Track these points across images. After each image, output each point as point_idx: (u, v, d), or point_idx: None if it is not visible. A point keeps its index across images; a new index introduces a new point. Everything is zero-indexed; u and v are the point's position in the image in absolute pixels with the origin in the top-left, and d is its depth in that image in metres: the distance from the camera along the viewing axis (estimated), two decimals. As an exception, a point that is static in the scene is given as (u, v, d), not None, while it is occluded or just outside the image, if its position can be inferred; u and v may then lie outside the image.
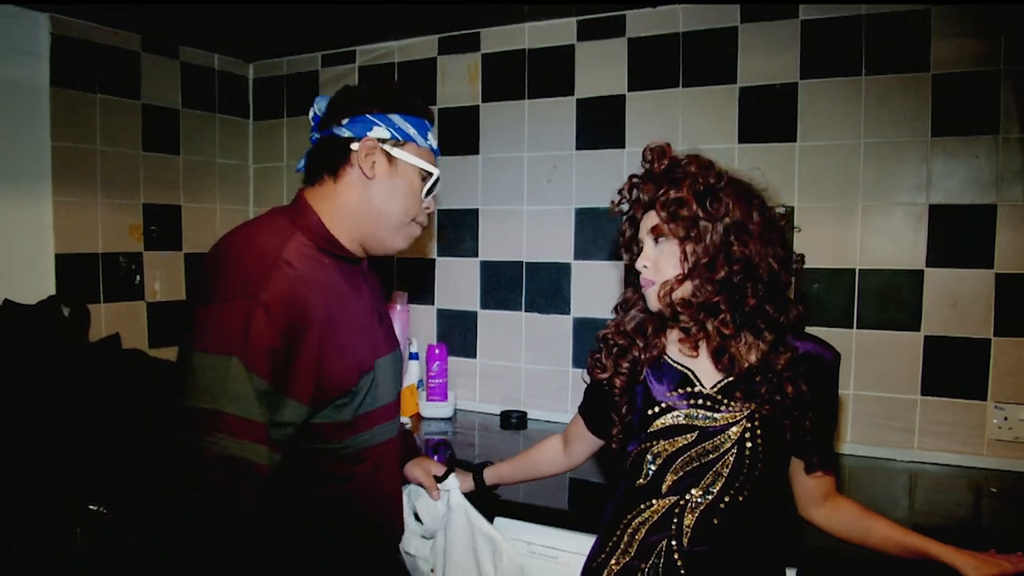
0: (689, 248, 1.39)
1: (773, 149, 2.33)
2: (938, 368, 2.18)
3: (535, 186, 2.73)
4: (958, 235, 2.15)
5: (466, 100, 2.83)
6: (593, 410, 1.65)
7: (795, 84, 2.30)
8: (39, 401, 1.99)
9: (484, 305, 2.84)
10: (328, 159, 1.48)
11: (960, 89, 2.12)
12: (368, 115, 1.45)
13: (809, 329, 1.49)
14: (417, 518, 1.78)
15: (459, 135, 2.85)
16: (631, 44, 2.53)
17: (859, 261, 2.25)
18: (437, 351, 2.79)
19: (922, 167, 2.17)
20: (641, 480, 1.47)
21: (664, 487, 1.44)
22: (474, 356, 2.87)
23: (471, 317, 2.87)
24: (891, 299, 2.22)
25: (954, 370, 2.16)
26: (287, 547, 1.39)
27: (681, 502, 1.43)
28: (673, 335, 1.50)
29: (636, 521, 1.46)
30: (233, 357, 1.24)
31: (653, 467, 1.45)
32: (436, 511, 1.76)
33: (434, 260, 2.93)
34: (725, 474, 1.40)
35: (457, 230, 2.88)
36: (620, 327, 1.54)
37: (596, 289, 2.63)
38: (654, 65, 2.50)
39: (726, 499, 1.41)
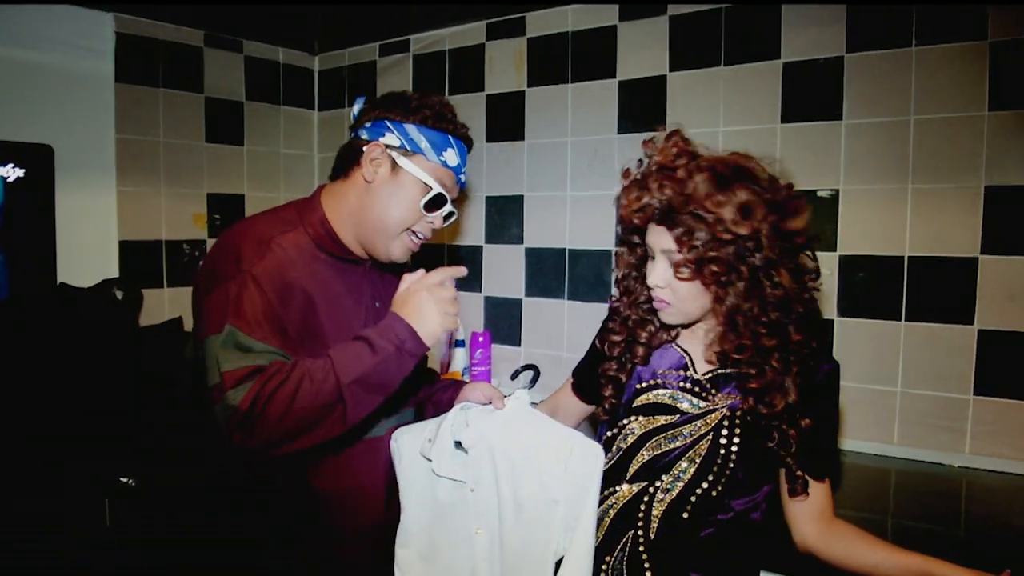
0: (718, 292, 1.30)
1: (817, 128, 2.18)
2: (993, 365, 1.98)
3: (578, 172, 2.67)
4: (1017, 219, 1.94)
5: (512, 86, 2.81)
6: (590, 377, 1.58)
7: (841, 58, 2.14)
8: (79, 380, 2.13)
9: (528, 292, 2.81)
10: (344, 158, 1.51)
11: (1021, 58, 1.92)
12: (386, 121, 1.46)
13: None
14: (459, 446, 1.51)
15: (506, 122, 2.83)
16: (672, 22, 2.43)
17: (908, 248, 2.07)
18: (480, 339, 2.79)
19: (978, 145, 1.97)
20: (607, 462, 1.42)
21: (630, 471, 1.39)
22: (519, 344, 2.85)
23: (516, 305, 2.84)
24: (942, 289, 2.04)
25: (1011, 368, 1.96)
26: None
27: (651, 489, 1.37)
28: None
29: (600, 509, 1.40)
30: (228, 324, 1.29)
31: (624, 445, 1.41)
32: (492, 420, 1.48)
33: (481, 247, 2.92)
34: (698, 461, 1.35)
35: (503, 217, 2.86)
36: (633, 305, 1.48)
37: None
38: (695, 43, 2.39)
39: (698, 491, 1.34)
